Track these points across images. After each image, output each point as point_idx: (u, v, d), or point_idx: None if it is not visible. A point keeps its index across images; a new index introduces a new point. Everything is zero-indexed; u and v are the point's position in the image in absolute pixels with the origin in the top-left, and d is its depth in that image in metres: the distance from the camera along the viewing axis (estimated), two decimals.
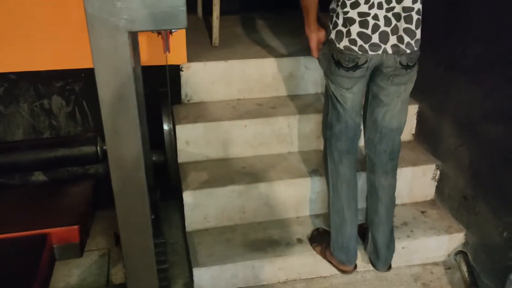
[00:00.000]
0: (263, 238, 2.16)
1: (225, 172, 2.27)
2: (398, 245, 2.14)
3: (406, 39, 1.64)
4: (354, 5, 1.61)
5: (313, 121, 2.38)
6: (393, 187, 1.94)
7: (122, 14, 0.92)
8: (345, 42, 1.66)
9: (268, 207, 2.25)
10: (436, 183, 2.39)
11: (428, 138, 2.44)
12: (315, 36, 1.81)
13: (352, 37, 1.64)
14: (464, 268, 2.11)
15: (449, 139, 2.25)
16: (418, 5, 1.63)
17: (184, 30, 2.32)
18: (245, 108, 2.46)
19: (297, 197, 2.26)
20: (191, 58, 2.45)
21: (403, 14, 1.62)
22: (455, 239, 2.20)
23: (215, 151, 2.36)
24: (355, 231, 1.97)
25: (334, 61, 1.71)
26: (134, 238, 1.13)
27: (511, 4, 1.79)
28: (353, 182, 1.92)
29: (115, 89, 0.96)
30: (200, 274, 1.98)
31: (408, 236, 2.18)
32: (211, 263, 2.01)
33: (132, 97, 0.97)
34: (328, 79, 1.79)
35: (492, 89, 1.93)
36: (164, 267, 1.38)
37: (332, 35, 1.70)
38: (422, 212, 2.34)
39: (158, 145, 1.99)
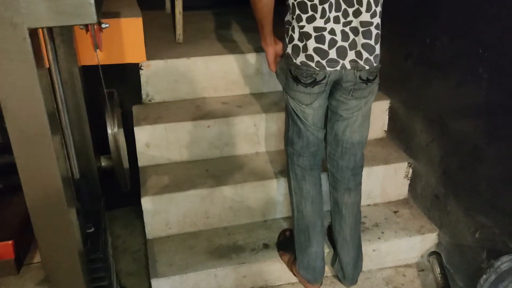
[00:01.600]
0: (227, 244, 2.05)
1: (187, 175, 2.16)
2: (369, 247, 2.06)
3: (365, 54, 1.55)
4: (310, 20, 1.50)
5: (281, 120, 2.28)
6: (357, 205, 1.86)
7: (20, 8, 0.80)
8: (301, 58, 1.55)
9: (234, 211, 2.15)
10: (408, 181, 2.30)
11: (400, 135, 2.35)
12: (271, 50, 1.70)
13: (308, 52, 1.53)
14: (437, 269, 2.03)
15: (420, 135, 2.16)
16: (377, 20, 1.53)
17: (141, 27, 2.21)
18: (209, 107, 2.34)
19: (263, 199, 2.16)
20: (153, 55, 2.34)
21: (361, 29, 1.52)
22: (428, 240, 2.11)
23: (177, 154, 2.25)
24: (322, 249, 1.88)
25: (292, 76, 1.60)
26: (58, 258, 1.01)
27: None
28: (317, 200, 1.83)
29: (19, 92, 0.85)
30: (159, 285, 1.87)
31: (379, 238, 2.09)
32: (171, 272, 1.90)
33: (39, 103, 0.85)
34: (287, 94, 1.69)
35: (460, 84, 1.84)
36: (103, 284, 1.27)
37: (289, 50, 1.59)
38: (395, 212, 2.26)
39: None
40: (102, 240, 1.31)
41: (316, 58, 1.54)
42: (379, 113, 2.42)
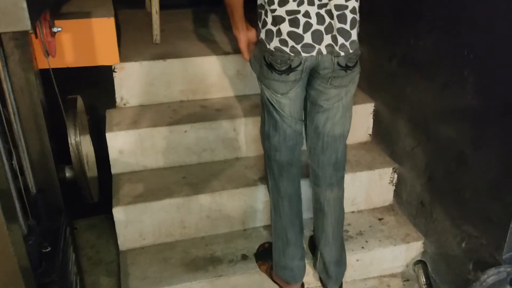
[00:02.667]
0: (204, 255, 1.96)
1: (163, 183, 2.06)
2: (352, 257, 1.97)
3: (340, 40, 1.46)
4: (282, 3, 1.41)
5: None
6: (339, 201, 1.77)
7: None
8: (275, 43, 1.46)
9: (211, 220, 2.05)
10: (394, 187, 2.22)
11: (385, 139, 2.27)
12: (243, 37, 1.61)
13: (282, 37, 1.44)
14: (423, 279, 1.95)
15: (405, 140, 2.08)
16: (353, 3, 1.44)
17: (113, 27, 2.10)
18: (187, 111, 2.25)
19: (243, 208, 2.07)
20: (128, 57, 2.24)
21: (335, 13, 1.43)
22: (413, 248, 2.04)
23: (153, 160, 2.15)
24: (300, 250, 1.79)
25: (266, 63, 1.51)
26: None
27: None
28: (295, 198, 1.73)
29: None
30: None
31: (362, 247, 2.00)
32: (143, 287, 1.80)
33: None
34: (261, 84, 1.59)
35: (444, 86, 1.76)
36: None
37: (262, 35, 1.50)
38: (380, 219, 2.18)
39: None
40: (59, 260, 1.22)
41: (291, 43, 1.44)
42: (364, 116, 2.34)
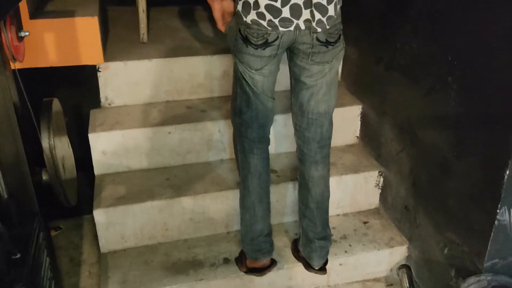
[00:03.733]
0: (186, 258, 1.95)
1: (146, 185, 2.04)
2: (335, 261, 1.96)
3: (317, 15, 1.43)
4: None
5: None
6: (324, 179, 1.75)
7: None
8: (252, 16, 1.43)
9: (194, 223, 2.04)
10: (380, 190, 2.21)
11: (371, 142, 2.25)
12: (217, 5, 1.55)
13: (260, 10, 1.41)
14: (406, 284, 1.94)
15: (391, 144, 2.06)
16: None
17: (97, 26, 2.08)
18: (172, 112, 2.23)
19: (226, 210, 2.05)
20: (113, 56, 2.21)
21: None
22: (397, 253, 2.02)
23: (137, 161, 2.13)
24: (267, 227, 1.79)
25: (242, 37, 1.48)
26: None
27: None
28: (265, 175, 1.73)
29: None
30: None
31: (346, 251, 1.99)
32: None
33: None
34: (235, 58, 1.56)
35: (429, 92, 1.74)
36: None
37: (239, 7, 1.46)
38: (365, 222, 2.16)
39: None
40: (29, 266, 1.20)
41: (268, 16, 1.42)
42: (351, 118, 2.32)
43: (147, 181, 2.07)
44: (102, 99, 2.23)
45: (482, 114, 1.49)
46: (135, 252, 1.98)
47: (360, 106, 2.29)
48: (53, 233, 2.31)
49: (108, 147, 2.06)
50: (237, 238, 2.05)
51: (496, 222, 1.47)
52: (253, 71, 1.53)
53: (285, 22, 1.42)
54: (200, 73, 2.31)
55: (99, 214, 1.90)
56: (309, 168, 1.72)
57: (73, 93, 2.20)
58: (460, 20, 1.54)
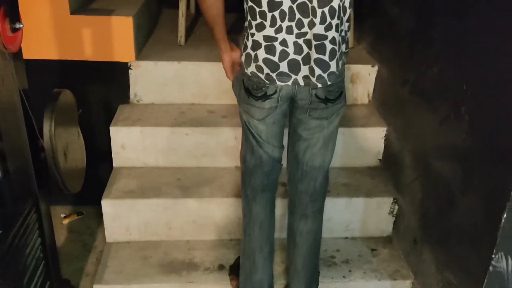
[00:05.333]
0: (183, 259, 1.97)
1: (156, 182, 2.10)
2: (331, 285, 1.90)
3: (318, 71, 1.39)
4: (259, 27, 1.38)
5: None
6: (314, 234, 1.71)
7: None
8: (252, 68, 1.43)
9: (198, 225, 2.06)
10: (393, 218, 2.10)
11: (392, 167, 2.15)
12: (227, 57, 1.57)
13: (258, 63, 1.41)
14: None
15: (407, 170, 1.96)
16: (332, 33, 1.37)
17: (131, 26, 2.17)
18: (194, 114, 2.27)
19: (230, 217, 2.05)
20: (146, 56, 2.31)
21: (314, 42, 1.37)
22: (399, 287, 1.91)
23: (153, 158, 2.20)
24: (268, 276, 1.75)
25: (244, 87, 1.49)
26: None
27: (468, 21, 1.50)
28: (267, 224, 1.70)
29: None
30: None
31: (344, 276, 1.92)
32: (116, 281, 1.85)
33: None
34: (240, 107, 1.57)
35: (444, 121, 1.64)
36: None
37: (243, 58, 1.47)
38: (372, 250, 2.07)
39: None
40: (9, 244, 1.28)
41: (266, 70, 1.41)
42: (375, 140, 2.24)
43: (159, 178, 2.13)
44: (131, 96, 2.33)
45: (487, 150, 1.38)
46: (137, 246, 2.04)
47: (385, 128, 2.20)
48: (74, 217, 2.43)
49: (127, 141, 2.15)
50: (238, 247, 2.04)
51: (490, 268, 1.35)
52: (256, 121, 1.53)
53: (283, 76, 1.41)
54: (227, 80, 2.32)
55: (106, 205, 1.98)
56: (298, 221, 1.69)
57: (104, 88, 2.31)
58: (477, 47, 1.44)
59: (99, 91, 2.31)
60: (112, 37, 2.18)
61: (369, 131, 2.22)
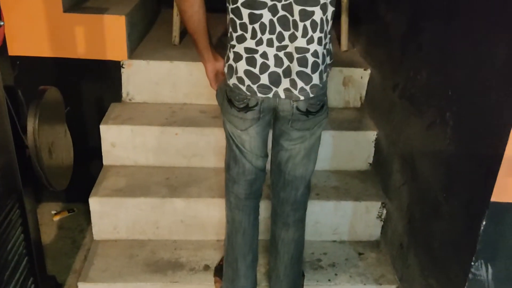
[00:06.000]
0: (169, 259, 1.98)
1: (145, 181, 2.10)
2: None
3: (300, 83, 1.39)
4: (240, 39, 1.37)
5: None
6: (295, 243, 1.70)
7: None
8: (234, 80, 1.43)
9: (185, 225, 2.06)
10: (382, 222, 2.10)
11: (382, 171, 2.15)
12: (210, 66, 1.56)
13: (239, 74, 1.41)
14: None
15: (396, 175, 1.96)
16: (314, 47, 1.36)
17: (123, 25, 2.18)
18: (185, 114, 2.27)
19: (218, 218, 2.05)
20: (139, 55, 2.31)
21: (296, 55, 1.36)
22: None
23: (144, 157, 2.20)
24: (250, 284, 1.75)
25: (227, 98, 1.49)
26: None
27: (454, 26, 1.49)
28: (250, 232, 1.70)
29: None
30: None
31: (329, 280, 1.91)
32: (100, 279, 1.85)
33: None
34: (224, 116, 1.57)
35: (430, 126, 1.63)
36: None
37: (225, 69, 1.47)
38: (360, 254, 2.06)
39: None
40: None
41: (247, 81, 1.41)
42: (365, 144, 2.23)
43: (149, 177, 2.13)
44: (124, 94, 2.33)
45: (468, 157, 1.37)
46: (124, 244, 2.04)
47: (375, 132, 2.19)
48: (65, 214, 2.44)
49: (117, 139, 2.15)
50: None
51: (470, 276, 1.34)
52: (239, 131, 1.53)
53: (264, 88, 1.40)
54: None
55: (94, 202, 1.98)
56: (280, 229, 1.69)
57: (97, 86, 2.32)
58: (462, 53, 1.44)
59: (92, 89, 2.31)
60: (105, 36, 2.18)
61: (360, 135, 2.22)
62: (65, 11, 2.13)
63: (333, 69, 2.32)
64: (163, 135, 2.15)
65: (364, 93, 2.37)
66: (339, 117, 2.31)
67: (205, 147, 2.19)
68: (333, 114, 2.32)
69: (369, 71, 2.31)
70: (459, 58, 1.45)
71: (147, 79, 2.30)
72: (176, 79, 2.32)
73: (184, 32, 2.66)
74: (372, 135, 2.20)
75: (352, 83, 2.35)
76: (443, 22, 1.55)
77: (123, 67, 2.27)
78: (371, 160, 2.25)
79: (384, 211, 2.06)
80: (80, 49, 2.20)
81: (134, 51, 2.36)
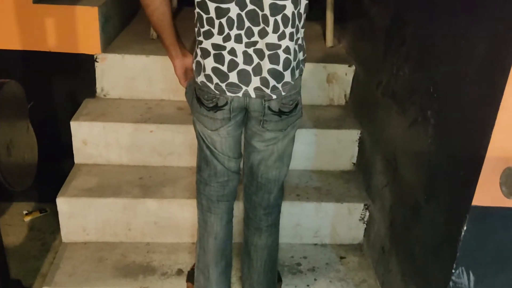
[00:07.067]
0: (141, 262, 1.88)
1: (118, 180, 2.01)
2: None
3: (272, 82, 1.30)
4: (207, 35, 1.28)
5: None
6: (269, 249, 1.62)
7: None
8: (202, 77, 1.34)
9: (159, 227, 1.97)
10: (365, 225, 2.01)
11: (365, 171, 2.06)
12: (178, 63, 1.46)
13: (207, 72, 1.31)
14: None
15: (379, 176, 1.87)
16: (286, 42, 1.26)
17: (96, 17, 2.08)
18: (161, 111, 2.18)
19: (193, 219, 1.95)
20: (115, 49, 2.21)
21: (267, 52, 1.27)
22: None
23: (117, 155, 2.10)
24: None
25: (196, 97, 1.39)
26: None
27: (436, 21, 1.40)
28: (222, 236, 1.60)
29: None
30: None
31: (308, 285, 1.83)
32: (66, 283, 1.76)
33: None
34: (193, 116, 1.47)
35: (412, 125, 1.54)
36: None
37: (194, 66, 1.38)
38: (341, 257, 1.98)
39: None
40: None
41: (215, 80, 1.32)
42: (349, 143, 2.14)
43: (121, 176, 2.04)
44: (98, 90, 2.23)
45: (450, 158, 1.29)
46: (94, 246, 1.94)
47: (359, 131, 2.11)
48: (37, 214, 2.34)
49: (88, 137, 2.05)
50: None
51: (451, 284, 1.26)
52: (209, 131, 1.44)
53: (233, 87, 1.31)
54: None
55: (61, 203, 1.89)
56: (253, 234, 1.61)
57: (70, 81, 2.22)
58: (443, 48, 1.35)
59: (64, 84, 2.22)
60: (77, 28, 2.09)
61: (343, 134, 2.13)
62: (34, 1, 2.03)
63: (317, 65, 2.24)
64: (137, 132, 2.06)
65: (349, 90, 2.29)
66: (322, 115, 2.22)
67: (181, 145, 2.10)
68: (317, 112, 2.24)
69: (353, 67, 2.22)
70: (440, 53, 1.37)
71: (122, 74, 2.21)
72: (152, 74, 2.22)
73: None
74: (355, 134, 2.12)
75: (336, 80, 2.27)
76: (426, 15, 1.46)
77: (97, 61, 2.17)
78: (355, 160, 2.17)
79: (367, 213, 1.98)
80: (51, 42, 2.10)
81: (109, 45, 2.26)
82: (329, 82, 2.27)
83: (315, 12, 2.75)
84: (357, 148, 2.14)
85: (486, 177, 1.11)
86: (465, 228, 1.17)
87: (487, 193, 1.12)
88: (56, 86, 2.21)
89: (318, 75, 2.24)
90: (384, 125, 1.83)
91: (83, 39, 2.11)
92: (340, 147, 2.15)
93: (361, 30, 2.21)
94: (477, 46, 1.14)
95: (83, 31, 2.09)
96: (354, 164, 2.18)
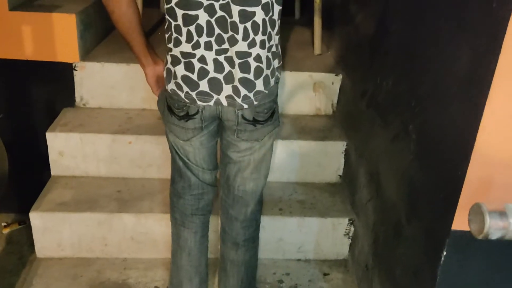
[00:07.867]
0: (116, 279, 1.82)
1: (94, 193, 1.94)
2: None
3: (243, 91, 1.24)
4: (176, 43, 1.23)
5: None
6: (246, 265, 1.56)
7: None
8: (172, 85, 1.28)
9: (136, 242, 1.90)
10: (350, 240, 1.94)
11: (350, 184, 1.99)
12: (150, 71, 1.41)
13: (177, 80, 1.26)
14: None
15: (363, 190, 1.80)
16: (257, 50, 1.21)
17: (74, 24, 2.02)
18: (142, 121, 2.12)
19: (170, 234, 1.89)
20: (94, 57, 2.15)
21: (237, 61, 1.22)
22: None
23: (94, 167, 2.04)
24: None
25: (167, 105, 1.34)
26: None
27: (419, 29, 1.34)
28: (196, 252, 1.54)
29: None
30: None
31: None
32: None
33: None
34: (165, 125, 1.41)
35: (394, 139, 1.48)
36: None
37: (164, 73, 1.32)
38: (325, 274, 1.91)
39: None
40: None
41: (185, 88, 1.26)
42: (335, 155, 2.08)
43: (98, 189, 1.97)
44: (77, 99, 2.17)
45: (431, 176, 1.22)
46: (69, 262, 1.88)
47: (345, 143, 2.04)
48: (15, 226, 2.28)
49: (65, 148, 1.99)
50: None
51: None
52: (182, 141, 1.38)
53: (203, 96, 1.26)
54: None
55: (35, 217, 1.82)
56: (230, 249, 1.55)
57: (48, 90, 2.16)
58: (426, 59, 1.28)
59: (42, 93, 2.16)
60: (54, 36, 2.03)
61: (329, 145, 2.06)
62: (11, 9, 1.97)
63: (302, 74, 2.18)
64: (114, 143, 1.99)
65: (336, 100, 2.22)
66: (308, 125, 2.16)
67: (161, 156, 2.03)
68: (303, 122, 2.17)
69: (340, 76, 2.16)
70: (422, 64, 1.30)
71: (102, 82, 2.15)
72: (133, 82, 2.16)
73: (152, 33, 2.52)
74: (341, 145, 2.05)
75: (323, 89, 2.20)
76: (409, 25, 1.40)
77: (76, 70, 2.11)
78: (341, 172, 2.10)
79: (352, 228, 1.91)
80: (28, 50, 2.04)
81: (89, 53, 2.20)
82: (316, 91, 2.21)
83: (305, 17, 2.69)
84: (343, 160, 2.07)
85: (467, 199, 1.04)
86: (444, 253, 1.11)
87: (467, 217, 1.05)
88: (35, 95, 2.15)
89: (304, 84, 2.18)
90: (368, 138, 1.76)
91: (61, 47, 2.05)
92: (326, 159, 2.08)
93: (349, 37, 2.15)
94: (460, 56, 1.07)
95: (61, 39, 2.03)
96: (340, 176, 2.11)
